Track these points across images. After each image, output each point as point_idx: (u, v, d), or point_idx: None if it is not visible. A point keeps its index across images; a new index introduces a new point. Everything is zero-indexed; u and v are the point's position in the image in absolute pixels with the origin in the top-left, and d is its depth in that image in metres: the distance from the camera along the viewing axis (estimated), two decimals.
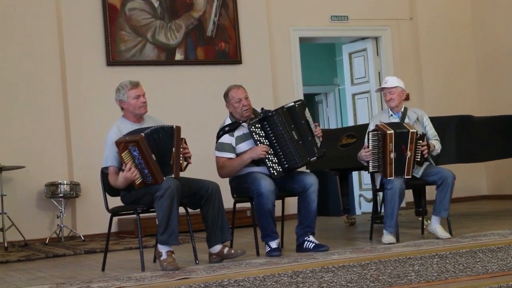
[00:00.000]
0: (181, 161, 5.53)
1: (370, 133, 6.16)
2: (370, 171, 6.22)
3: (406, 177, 6.14)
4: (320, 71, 13.48)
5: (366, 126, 6.67)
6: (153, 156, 5.32)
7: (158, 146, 5.37)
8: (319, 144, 5.96)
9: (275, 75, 10.04)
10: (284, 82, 10.17)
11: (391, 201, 6.06)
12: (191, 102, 9.54)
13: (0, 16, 8.95)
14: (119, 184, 5.41)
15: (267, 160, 5.78)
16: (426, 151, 6.17)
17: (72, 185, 8.63)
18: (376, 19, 10.76)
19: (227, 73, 9.70)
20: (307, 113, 5.98)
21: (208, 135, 9.13)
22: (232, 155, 5.88)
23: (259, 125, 5.84)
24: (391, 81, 6.41)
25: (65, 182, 8.62)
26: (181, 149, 5.53)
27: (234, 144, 5.89)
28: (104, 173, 5.70)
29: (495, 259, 5.48)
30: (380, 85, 10.65)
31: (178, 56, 9.56)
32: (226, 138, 5.91)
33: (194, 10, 9.65)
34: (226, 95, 6.01)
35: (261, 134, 5.82)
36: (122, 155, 5.30)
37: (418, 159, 6.15)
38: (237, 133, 5.92)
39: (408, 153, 6.07)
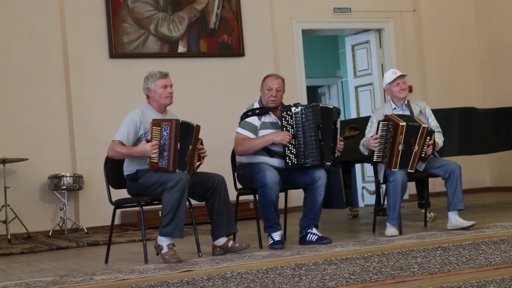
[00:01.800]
0: (194, 160, 5.55)
1: (381, 122, 6.13)
2: (374, 160, 6.19)
3: (409, 170, 6.12)
4: (323, 64, 13.47)
5: (369, 118, 6.65)
6: (179, 144, 5.35)
7: (183, 139, 5.41)
8: (336, 155, 5.98)
9: (278, 68, 10.01)
10: (287, 75, 10.01)
11: (394, 193, 6.05)
12: (194, 95, 9.52)
13: (3, 9, 8.95)
14: (133, 152, 5.38)
15: (286, 149, 5.81)
16: (430, 150, 6.16)
17: (75, 177, 8.64)
18: (379, 11, 10.73)
19: (230, 65, 9.70)
20: (338, 122, 6.00)
21: (212, 127, 9.18)
22: (253, 136, 5.90)
23: (291, 113, 5.86)
24: (399, 72, 6.40)
25: (68, 174, 8.63)
26: (197, 149, 5.56)
27: (259, 128, 5.91)
28: (108, 165, 5.70)
29: (498, 251, 5.48)
30: (383, 78, 10.67)
31: (181, 48, 9.55)
32: (254, 120, 5.94)
33: (197, 2, 9.63)
34: (263, 79, 6.06)
35: (289, 122, 5.85)
36: (153, 128, 5.35)
37: (423, 155, 6.13)
38: (264, 119, 5.96)
39: (416, 147, 6.06)
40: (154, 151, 5.30)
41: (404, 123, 6.03)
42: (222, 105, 9.53)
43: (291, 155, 5.83)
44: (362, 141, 6.32)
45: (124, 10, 9.27)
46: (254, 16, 9.94)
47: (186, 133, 5.45)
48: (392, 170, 6.09)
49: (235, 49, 9.81)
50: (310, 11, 10.42)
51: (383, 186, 7.51)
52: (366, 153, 6.32)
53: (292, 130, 5.84)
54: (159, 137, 5.35)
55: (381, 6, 10.74)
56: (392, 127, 6.06)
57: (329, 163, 5.92)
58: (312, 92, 13.35)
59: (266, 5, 10.05)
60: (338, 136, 5.99)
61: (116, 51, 9.21)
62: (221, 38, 9.74)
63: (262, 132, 5.92)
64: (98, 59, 9.17)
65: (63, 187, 8.56)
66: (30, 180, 8.82)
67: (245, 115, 5.98)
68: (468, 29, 11.15)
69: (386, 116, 6.17)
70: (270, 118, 5.98)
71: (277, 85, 5.96)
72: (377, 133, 6.13)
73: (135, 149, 5.39)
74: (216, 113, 9.48)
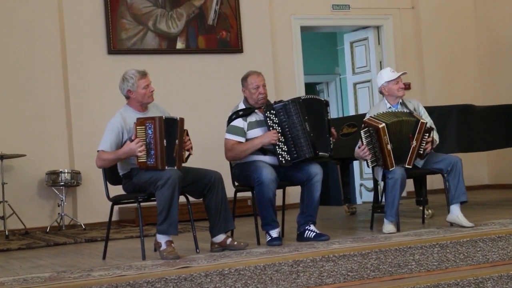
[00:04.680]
0: (183, 153, 5.54)
1: (361, 131, 6.08)
2: (369, 166, 6.17)
3: (406, 166, 6.11)
4: (321, 60, 13.47)
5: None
6: (165, 141, 5.33)
7: (169, 135, 5.39)
8: (331, 145, 5.97)
9: (276, 64, 10.02)
10: (285, 71, 10.16)
11: (392, 190, 6.04)
12: (192, 91, 9.53)
13: (1, 5, 8.93)
14: (120, 154, 5.37)
15: (277, 147, 5.80)
16: (429, 148, 6.15)
17: (73, 173, 8.63)
18: (378, 8, 10.73)
19: (228, 62, 9.69)
20: (329, 114, 5.99)
21: (210, 123, 9.20)
22: (242, 139, 5.88)
23: (274, 112, 5.86)
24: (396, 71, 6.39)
25: (66, 170, 8.62)
26: (184, 142, 5.55)
27: (246, 129, 5.90)
28: None
29: (495, 248, 5.49)
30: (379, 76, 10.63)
31: (179, 44, 9.54)
32: (239, 122, 5.91)
33: None
34: (244, 79, 6.01)
35: (274, 121, 5.84)
36: (138, 128, 5.33)
37: (421, 152, 6.11)
38: (250, 118, 5.94)
39: (414, 142, 6.05)
40: (140, 148, 5.29)
41: (384, 124, 5.98)
42: (220, 101, 9.50)
43: (283, 153, 5.81)
44: (355, 154, 6.28)
45: (122, 6, 9.26)
46: (253, 12, 9.93)
47: (171, 129, 5.42)
48: (390, 170, 6.06)
49: (233, 46, 9.80)
50: (309, 8, 10.41)
51: (381, 183, 7.51)
52: (363, 160, 6.31)
53: (279, 128, 5.83)
54: (144, 135, 5.33)
55: (379, 3, 10.73)
56: (373, 131, 6.04)
57: (327, 154, 5.91)
58: (311, 89, 13.35)
59: (264, 1, 10.04)
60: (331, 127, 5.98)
61: (115, 47, 9.20)
62: (220, 35, 9.73)
63: (250, 133, 5.90)
64: (96, 55, 9.16)
65: (61, 183, 8.56)
66: (28, 176, 8.81)
67: (230, 119, 5.97)
68: (467, 27, 11.14)
69: (364, 122, 6.12)
70: (256, 116, 5.95)
71: (262, 81, 5.96)
72: (362, 142, 6.10)
73: (121, 151, 5.37)
74: (214, 109, 9.46)
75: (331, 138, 5.96)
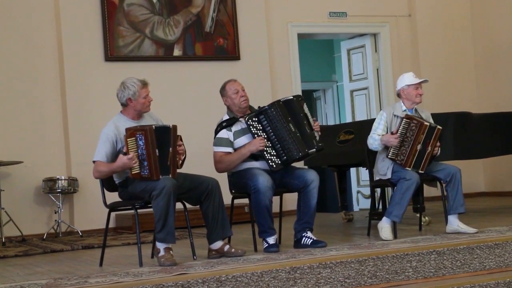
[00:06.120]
0: (177, 158, 5.53)
1: (404, 119, 6.12)
2: (388, 156, 6.18)
3: (420, 171, 6.15)
4: (319, 68, 13.49)
5: (364, 122, 6.65)
6: (157, 151, 5.32)
7: (161, 144, 5.38)
8: (317, 138, 5.97)
9: (273, 71, 10.03)
10: (283, 78, 10.17)
11: (406, 192, 6.04)
12: (189, 98, 9.53)
13: None
14: (114, 168, 5.38)
15: (265, 153, 5.80)
16: (436, 151, 6.22)
17: (70, 180, 8.63)
18: (375, 15, 10.75)
19: (226, 69, 9.69)
20: (305, 107, 6.00)
21: (206, 130, 9.13)
22: (229, 149, 5.89)
23: (256, 119, 5.86)
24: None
25: (63, 177, 8.61)
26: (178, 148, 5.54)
27: (232, 139, 5.90)
28: None
29: (492, 256, 5.49)
30: (379, 82, 10.65)
31: (177, 52, 9.55)
32: (223, 133, 5.92)
33: (193, 5, 9.64)
34: (222, 89, 6.03)
35: (258, 128, 5.84)
36: (128, 140, 5.30)
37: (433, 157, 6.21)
38: (235, 128, 5.93)
39: (429, 148, 6.11)
40: (133, 161, 5.28)
41: (428, 124, 6.09)
42: (217, 109, 9.46)
43: (272, 157, 5.82)
44: (379, 137, 6.23)
45: (119, 13, 9.27)
46: (250, 19, 9.94)
47: (163, 137, 5.40)
48: (406, 168, 6.10)
49: (230, 53, 9.81)
50: (306, 15, 10.43)
51: (378, 190, 7.53)
52: (379, 148, 6.28)
53: (264, 134, 5.84)
54: (135, 147, 5.31)
55: (376, 10, 10.76)
56: (415, 126, 6.08)
57: (313, 150, 5.91)
58: (308, 96, 13.37)
59: (262, 8, 10.06)
60: (311, 119, 5.98)
61: (112, 54, 9.20)
62: (217, 42, 9.74)
63: (237, 142, 5.91)
64: (93, 62, 9.16)
65: (58, 190, 8.55)
66: (24, 183, 8.80)
67: (216, 132, 5.97)
68: (463, 34, 11.17)
69: (407, 115, 6.18)
70: (241, 125, 5.95)
71: (240, 86, 5.99)
72: (397, 130, 6.13)
73: (115, 165, 5.37)
74: (211, 117, 9.40)
75: (314, 132, 5.96)
